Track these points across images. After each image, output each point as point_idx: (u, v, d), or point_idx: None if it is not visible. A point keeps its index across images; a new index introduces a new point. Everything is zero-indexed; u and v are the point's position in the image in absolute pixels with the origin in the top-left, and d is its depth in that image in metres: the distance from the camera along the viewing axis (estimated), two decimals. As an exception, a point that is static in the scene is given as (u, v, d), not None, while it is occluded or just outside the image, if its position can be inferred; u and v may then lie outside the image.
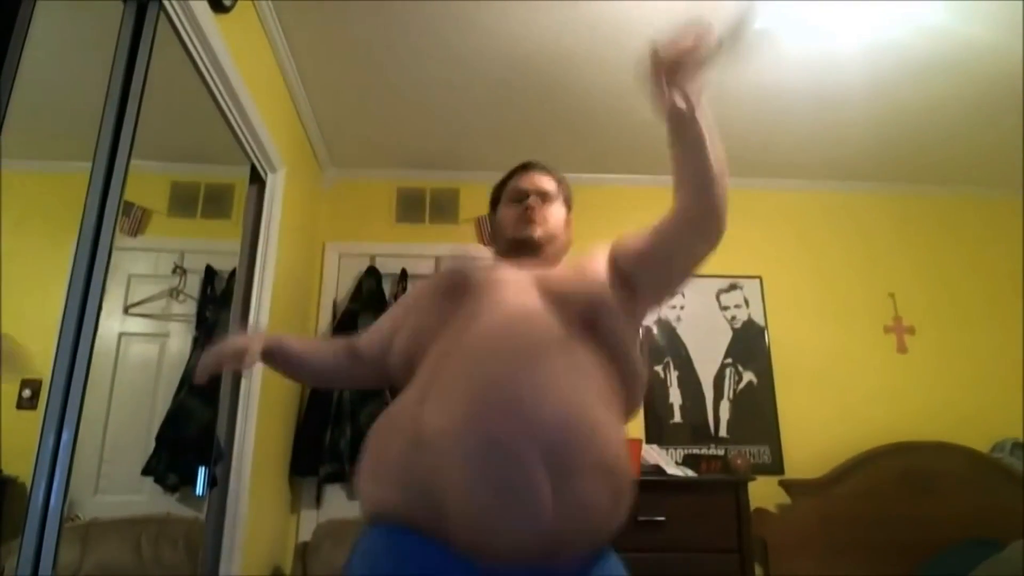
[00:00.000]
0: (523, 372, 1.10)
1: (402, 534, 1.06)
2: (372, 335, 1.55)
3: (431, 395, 1.12)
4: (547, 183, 1.54)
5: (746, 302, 3.84)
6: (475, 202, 3.63)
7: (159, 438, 2.30)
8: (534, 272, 1.34)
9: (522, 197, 1.51)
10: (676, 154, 1.30)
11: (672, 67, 1.19)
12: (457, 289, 1.28)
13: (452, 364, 1.15)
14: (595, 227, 3.80)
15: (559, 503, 1.01)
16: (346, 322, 3.47)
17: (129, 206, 1.97)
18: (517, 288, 1.28)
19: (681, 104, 1.22)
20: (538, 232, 1.45)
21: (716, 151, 1.26)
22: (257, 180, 2.76)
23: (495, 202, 1.62)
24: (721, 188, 1.27)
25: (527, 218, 1.46)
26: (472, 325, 1.20)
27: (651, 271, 1.37)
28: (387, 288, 3.61)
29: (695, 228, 1.35)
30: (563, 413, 1.07)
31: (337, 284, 3.72)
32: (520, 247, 1.45)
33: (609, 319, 1.26)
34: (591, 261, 1.37)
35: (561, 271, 1.38)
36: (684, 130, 1.26)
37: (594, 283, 1.30)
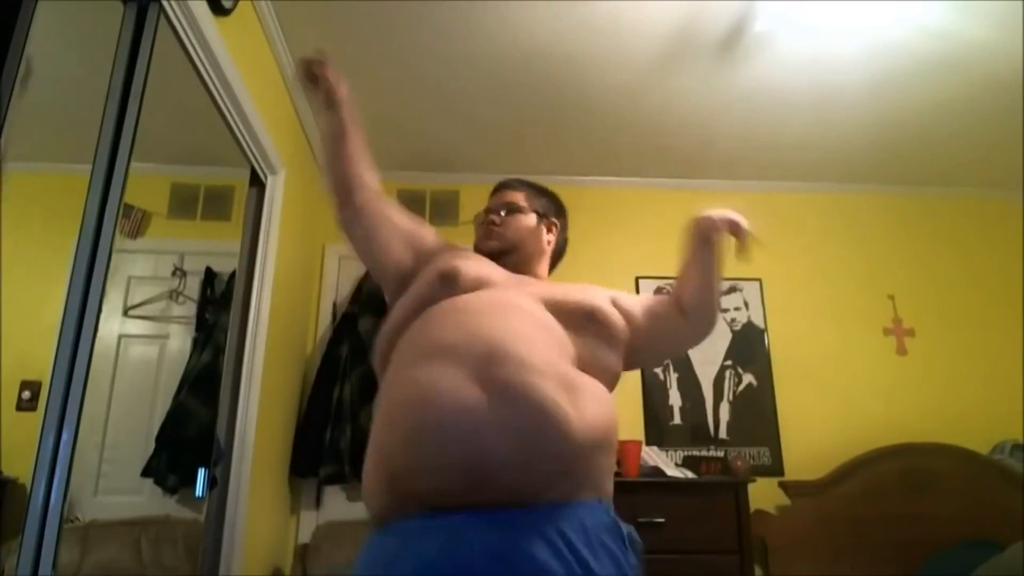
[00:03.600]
0: (487, 321, 1.21)
1: (424, 521, 1.07)
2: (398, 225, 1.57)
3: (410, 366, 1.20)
4: (511, 197, 1.65)
5: (746, 304, 3.84)
6: (475, 203, 3.60)
7: (159, 439, 2.30)
8: (528, 286, 1.44)
9: (486, 216, 1.65)
10: (696, 273, 1.54)
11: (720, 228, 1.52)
12: (450, 279, 1.33)
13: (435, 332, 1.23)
14: (596, 227, 3.83)
15: (490, 434, 1.06)
16: (346, 324, 3.48)
17: (129, 208, 1.97)
18: (510, 286, 1.39)
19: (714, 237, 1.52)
20: (493, 245, 1.58)
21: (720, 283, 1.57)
22: (257, 182, 2.76)
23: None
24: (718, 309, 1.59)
25: (486, 233, 1.61)
26: (458, 306, 1.28)
27: (643, 348, 1.50)
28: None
29: (693, 335, 1.59)
30: (515, 347, 1.16)
31: (337, 286, 3.72)
32: (493, 259, 1.55)
33: (602, 316, 1.37)
34: (593, 290, 1.49)
35: (554, 287, 1.45)
36: (710, 256, 1.55)
37: (595, 296, 1.42)
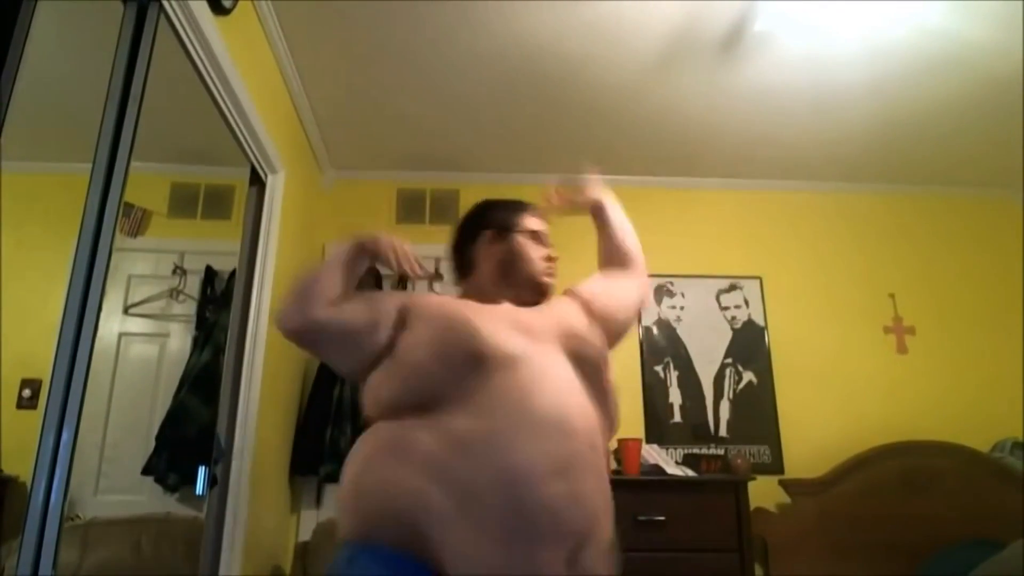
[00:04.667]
0: (567, 473, 1.17)
1: (401, 561, 1.09)
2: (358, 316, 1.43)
3: (470, 445, 1.16)
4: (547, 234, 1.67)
5: (746, 302, 3.84)
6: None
7: (159, 438, 2.30)
8: (549, 323, 1.40)
9: (542, 242, 1.61)
10: (607, 234, 1.73)
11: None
12: (476, 359, 1.25)
13: (500, 433, 1.17)
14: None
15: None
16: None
17: (129, 207, 1.97)
18: (545, 356, 1.32)
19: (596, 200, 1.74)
20: (546, 283, 1.57)
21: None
22: (257, 181, 2.77)
23: (500, 226, 1.61)
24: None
25: (552, 270, 1.58)
26: (516, 397, 1.21)
27: (617, 330, 1.58)
28: (387, 289, 3.61)
29: (643, 287, 1.72)
30: (592, 515, 1.18)
31: (337, 284, 3.71)
32: (537, 291, 1.54)
33: (608, 374, 1.40)
34: (578, 314, 1.50)
35: (569, 322, 1.44)
36: (605, 216, 1.74)
37: (598, 341, 1.43)
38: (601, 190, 1.76)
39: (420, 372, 1.25)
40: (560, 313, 1.46)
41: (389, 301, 1.42)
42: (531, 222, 1.61)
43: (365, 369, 1.35)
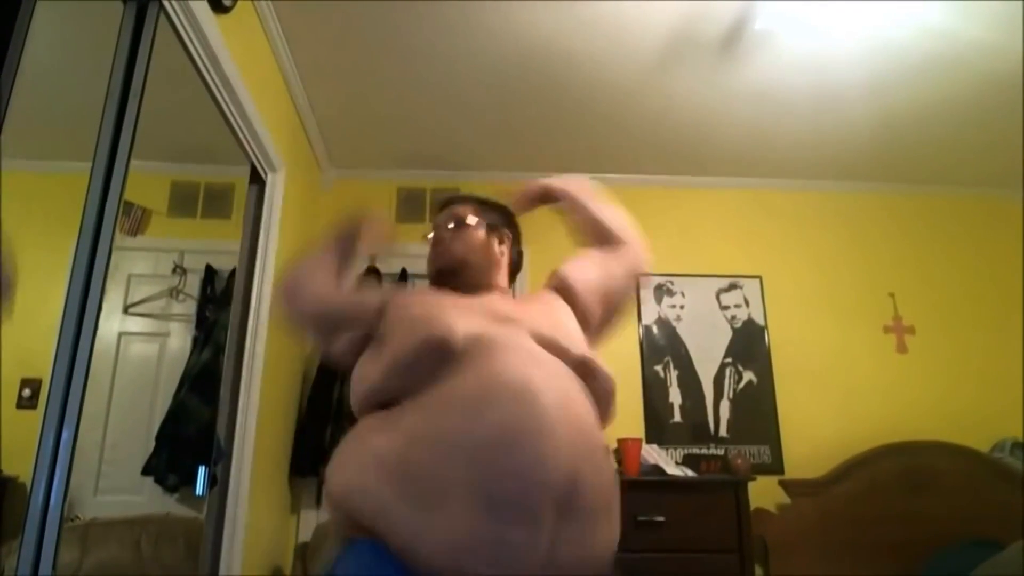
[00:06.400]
0: (544, 416, 1.11)
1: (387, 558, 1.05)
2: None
3: (445, 426, 1.12)
4: (457, 210, 1.64)
5: (746, 302, 3.84)
6: (475, 202, 3.63)
7: (159, 438, 2.30)
8: (511, 314, 1.36)
9: (436, 233, 1.63)
10: (584, 219, 1.68)
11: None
12: (444, 353, 1.21)
13: (465, 401, 1.14)
14: (595, 227, 3.83)
15: (559, 546, 1.05)
16: (346, 322, 3.47)
17: (129, 206, 1.97)
18: (513, 342, 1.26)
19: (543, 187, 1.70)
20: (443, 262, 1.57)
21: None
22: (257, 180, 2.76)
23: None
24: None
25: (438, 251, 1.59)
26: (486, 369, 1.17)
27: (608, 313, 1.56)
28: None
29: (638, 264, 1.66)
30: (580, 463, 1.11)
31: (337, 284, 3.71)
32: (442, 277, 1.56)
33: (599, 369, 1.32)
34: (558, 309, 1.46)
35: (539, 316, 1.39)
36: (581, 207, 1.69)
37: (579, 340, 1.38)
38: (554, 182, 1.73)
39: (389, 364, 1.24)
40: (536, 309, 1.43)
41: (375, 294, 1.47)
42: (436, 219, 1.67)
43: (354, 354, 1.38)
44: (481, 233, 1.61)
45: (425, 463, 1.08)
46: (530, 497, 1.04)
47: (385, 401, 1.22)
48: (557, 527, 1.04)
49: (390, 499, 1.07)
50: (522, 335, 1.25)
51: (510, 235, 1.67)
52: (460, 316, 1.26)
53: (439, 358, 1.19)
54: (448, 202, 1.69)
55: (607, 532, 1.15)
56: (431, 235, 1.64)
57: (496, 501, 1.03)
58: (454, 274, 1.53)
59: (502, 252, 1.63)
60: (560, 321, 1.39)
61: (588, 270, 1.57)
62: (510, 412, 1.08)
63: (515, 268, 1.68)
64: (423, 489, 1.06)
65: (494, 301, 1.44)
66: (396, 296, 1.42)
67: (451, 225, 1.60)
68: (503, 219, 1.68)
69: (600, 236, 1.66)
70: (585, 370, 1.27)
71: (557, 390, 1.15)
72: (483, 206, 1.67)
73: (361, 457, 1.15)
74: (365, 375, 1.29)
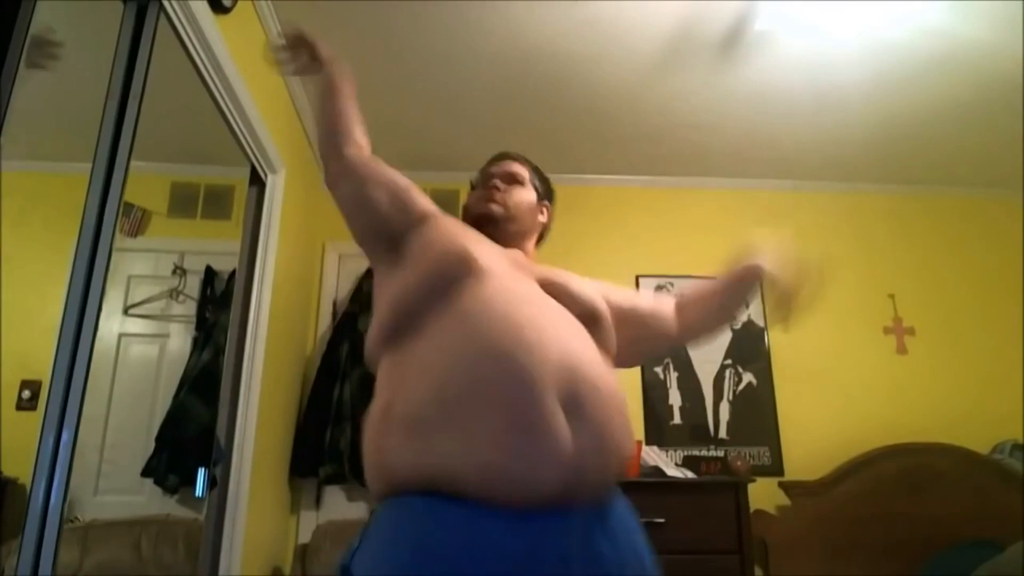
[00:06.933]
0: (538, 320, 1.16)
1: (442, 504, 1.02)
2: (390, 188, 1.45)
3: (444, 359, 1.13)
4: (516, 167, 1.63)
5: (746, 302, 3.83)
6: (475, 203, 3.63)
7: (159, 439, 2.30)
8: (527, 267, 1.40)
9: (488, 180, 1.61)
10: (723, 302, 1.62)
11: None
12: (454, 268, 1.24)
13: (467, 324, 1.15)
14: (596, 225, 3.84)
15: (578, 437, 1.06)
16: (346, 323, 3.48)
17: (129, 207, 1.97)
18: (514, 275, 1.31)
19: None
20: (496, 209, 1.53)
21: None
22: (257, 181, 2.76)
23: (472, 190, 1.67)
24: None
25: (488, 196, 1.55)
26: (484, 293, 1.20)
27: (633, 343, 1.52)
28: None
29: (673, 346, 1.78)
30: (579, 357, 1.15)
31: (337, 285, 3.72)
32: (480, 222, 1.52)
33: (606, 323, 1.35)
34: (589, 285, 1.46)
35: (554, 274, 1.41)
36: (747, 295, 1.63)
37: (594, 296, 1.38)
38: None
39: (423, 272, 1.24)
40: (554, 271, 1.44)
41: (427, 202, 1.46)
42: (486, 168, 1.65)
43: (390, 231, 1.38)
44: (533, 195, 1.62)
45: (455, 390, 1.08)
46: (533, 403, 1.05)
47: (400, 327, 1.22)
48: (574, 429, 1.06)
49: (437, 439, 1.06)
50: (530, 282, 1.30)
51: (549, 207, 1.69)
52: (485, 252, 1.29)
53: (458, 274, 1.21)
54: (504, 156, 1.68)
55: (621, 437, 1.16)
56: (479, 181, 1.63)
57: (514, 412, 1.04)
58: (495, 224, 1.52)
59: (541, 221, 1.65)
60: (574, 277, 1.42)
61: (625, 298, 1.57)
62: (512, 326, 1.12)
63: (541, 239, 1.69)
64: (462, 415, 1.06)
65: (518, 256, 1.46)
66: (441, 217, 1.41)
67: (505, 179, 1.60)
68: (547, 189, 1.70)
69: (695, 315, 1.63)
70: (590, 319, 1.30)
71: (549, 318, 1.20)
72: (535, 171, 1.69)
73: (387, 421, 1.13)
74: (398, 285, 1.27)
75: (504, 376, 1.06)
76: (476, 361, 1.09)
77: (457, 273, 1.21)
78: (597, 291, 1.43)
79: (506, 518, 1.01)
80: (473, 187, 1.67)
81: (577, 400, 1.09)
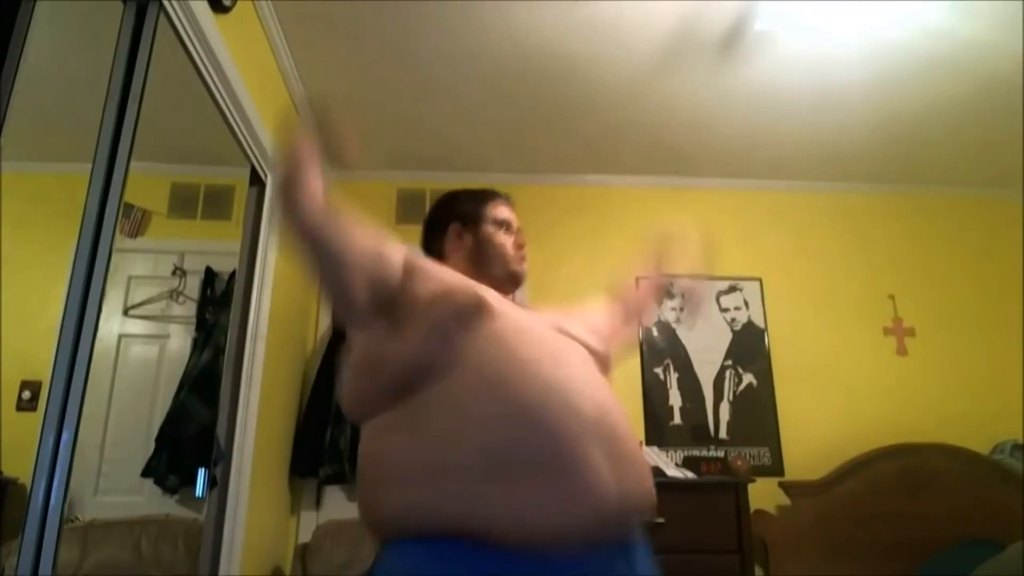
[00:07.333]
0: (580, 378, 1.18)
1: (479, 551, 1.01)
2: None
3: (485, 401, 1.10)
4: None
5: (746, 304, 3.84)
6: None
7: (159, 439, 2.30)
8: (545, 317, 1.39)
9: (511, 229, 1.55)
10: (645, 306, 1.80)
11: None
12: (474, 313, 1.20)
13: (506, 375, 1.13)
14: (596, 226, 3.84)
15: (620, 481, 1.09)
16: (346, 323, 3.47)
17: (129, 207, 1.98)
18: (528, 315, 1.32)
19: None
20: (521, 272, 1.52)
21: None
22: (257, 181, 2.76)
23: (471, 218, 1.55)
24: None
25: (524, 256, 1.54)
26: (514, 337, 1.19)
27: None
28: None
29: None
30: (614, 411, 1.18)
31: (337, 285, 3.71)
32: (511, 280, 1.50)
33: (609, 363, 1.40)
34: (593, 315, 1.54)
35: (574, 318, 1.43)
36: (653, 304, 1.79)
37: (591, 336, 1.40)
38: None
39: (436, 323, 1.18)
40: (554, 312, 1.45)
41: (396, 245, 1.34)
42: (499, 210, 1.56)
43: (374, 298, 1.24)
44: None
45: (500, 441, 1.06)
46: (579, 455, 1.06)
47: (414, 380, 1.14)
48: (616, 474, 1.08)
49: (477, 488, 1.03)
50: (544, 323, 1.31)
51: None
52: (493, 298, 1.26)
53: (475, 321, 1.18)
54: (508, 199, 1.61)
55: (647, 472, 1.22)
56: (512, 233, 1.55)
57: (560, 464, 1.05)
58: (512, 283, 1.50)
59: None
60: (575, 316, 1.43)
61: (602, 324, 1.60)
62: (549, 376, 1.13)
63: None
64: (508, 469, 1.04)
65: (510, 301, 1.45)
66: (417, 258, 1.34)
67: (522, 238, 1.57)
68: None
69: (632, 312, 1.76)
70: (596, 358, 1.32)
71: (576, 366, 1.22)
72: None
73: (421, 460, 1.08)
74: (398, 346, 1.18)
75: (552, 427, 1.06)
76: (521, 412, 1.08)
77: (478, 315, 1.19)
78: (585, 327, 1.42)
79: (548, 559, 1.01)
80: (464, 221, 1.54)
81: (614, 446, 1.11)
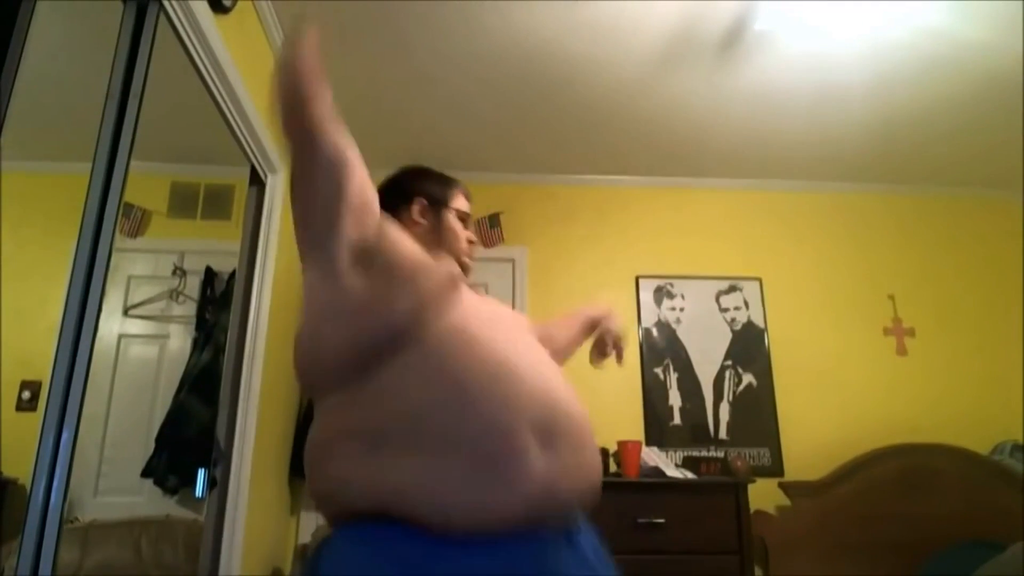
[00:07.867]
0: (534, 361, 1.20)
1: (410, 535, 1.01)
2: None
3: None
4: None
5: (746, 304, 3.84)
6: (475, 203, 3.63)
7: (159, 439, 2.30)
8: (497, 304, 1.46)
9: (467, 224, 1.60)
10: (568, 346, 1.74)
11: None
12: (451, 293, 1.20)
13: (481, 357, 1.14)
14: (596, 226, 3.83)
15: (550, 467, 1.07)
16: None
17: (129, 207, 1.97)
18: (482, 298, 1.38)
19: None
20: (468, 265, 1.55)
21: None
22: (257, 181, 2.76)
23: (437, 200, 1.56)
24: None
25: (472, 253, 1.57)
26: (466, 317, 1.19)
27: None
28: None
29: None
30: (565, 399, 1.18)
31: (337, 285, 3.71)
32: (462, 268, 1.50)
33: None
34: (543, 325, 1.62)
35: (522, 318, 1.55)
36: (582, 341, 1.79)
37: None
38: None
39: (420, 297, 1.15)
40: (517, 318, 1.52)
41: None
42: (462, 201, 1.61)
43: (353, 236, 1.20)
44: None
45: (428, 414, 1.07)
46: (505, 434, 1.06)
47: (375, 352, 1.11)
48: (547, 459, 1.06)
49: (424, 467, 1.03)
50: (498, 308, 1.39)
51: None
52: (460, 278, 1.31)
53: (446, 295, 1.18)
54: (465, 192, 1.64)
55: (595, 463, 1.19)
56: (467, 219, 1.59)
57: (485, 441, 1.05)
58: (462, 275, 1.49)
59: None
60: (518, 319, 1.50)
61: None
62: (502, 357, 1.14)
63: None
64: (431, 440, 1.05)
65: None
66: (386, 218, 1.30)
67: (474, 237, 1.61)
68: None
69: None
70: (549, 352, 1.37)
71: (525, 348, 1.23)
72: None
73: (361, 436, 1.08)
74: (378, 308, 1.14)
75: (483, 404, 1.06)
76: (455, 388, 1.08)
77: (446, 295, 1.18)
78: (535, 329, 1.52)
79: (472, 545, 1.00)
80: (431, 201, 1.56)
81: (558, 435, 1.10)
